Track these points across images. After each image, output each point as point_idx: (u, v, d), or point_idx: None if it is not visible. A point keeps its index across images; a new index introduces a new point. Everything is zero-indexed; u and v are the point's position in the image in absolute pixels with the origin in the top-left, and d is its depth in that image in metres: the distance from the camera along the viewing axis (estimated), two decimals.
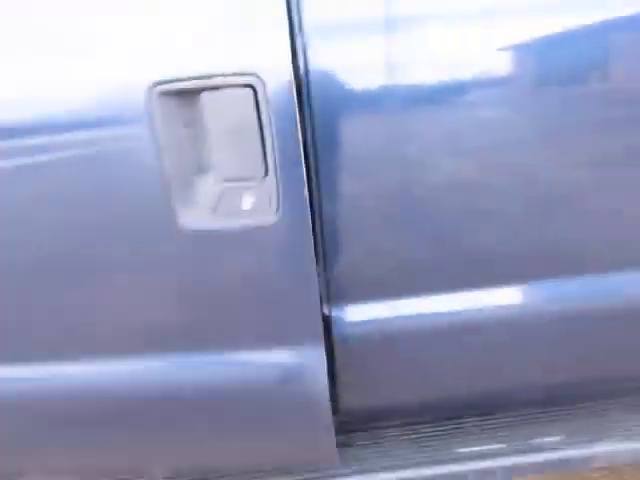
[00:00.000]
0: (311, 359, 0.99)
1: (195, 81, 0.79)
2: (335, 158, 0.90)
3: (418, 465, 1.25)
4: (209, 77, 0.79)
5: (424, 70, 0.89)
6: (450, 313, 1.11)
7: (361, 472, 1.24)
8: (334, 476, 1.22)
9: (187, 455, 1.11)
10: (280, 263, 0.92)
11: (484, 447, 1.28)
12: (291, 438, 1.09)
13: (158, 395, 1.01)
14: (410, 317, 1.11)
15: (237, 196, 0.85)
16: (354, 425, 1.31)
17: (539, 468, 1.29)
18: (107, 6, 0.79)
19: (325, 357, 0.99)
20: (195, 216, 0.86)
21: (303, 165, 0.84)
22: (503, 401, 1.30)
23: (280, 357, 0.99)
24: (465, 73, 0.90)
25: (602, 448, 1.26)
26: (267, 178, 0.84)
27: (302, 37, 0.84)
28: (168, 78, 0.79)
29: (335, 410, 1.14)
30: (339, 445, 1.15)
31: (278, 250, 0.91)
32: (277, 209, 0.86)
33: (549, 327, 1.16)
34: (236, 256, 0.90)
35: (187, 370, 1.00)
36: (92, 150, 0.83)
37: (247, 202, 0.85)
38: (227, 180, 0.84)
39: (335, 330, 1.09)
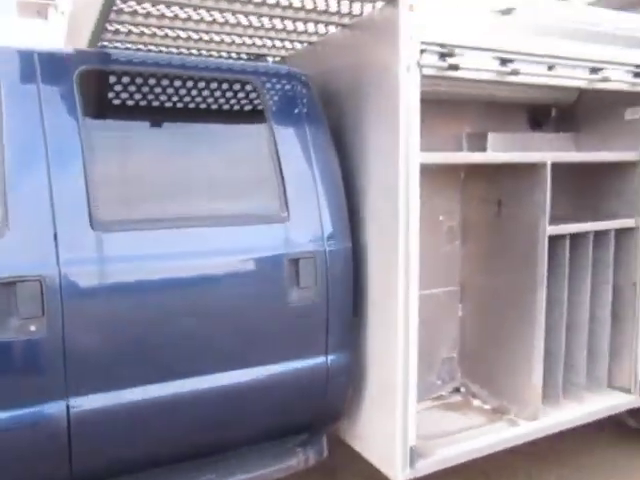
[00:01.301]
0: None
1: (15, 278, 2.01)
2: (72, 315, 2.12)
3: None
4: (21, 276, 2.02)
5: (125, 279, 2.21)
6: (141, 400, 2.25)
7: None
8: None
9: None
10: (44, 357, 2.07)
11: None
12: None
13: None
14: (114, 404, 2.22)
15: (27, 326, 2.02)
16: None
17: None
18: None
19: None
20: (8, 334, 2.00)
21: (60, 312, 2.06)
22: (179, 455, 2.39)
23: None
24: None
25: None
26: (43, 317, 2.03)
27: (60, 266, 2.12)
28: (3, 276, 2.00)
29: (70, 470, 2.14)
30: None
31: (46, 351, 2.06)
32: (46, 330, 2.04)
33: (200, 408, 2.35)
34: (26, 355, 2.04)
35: None
36: None
37: (32, 327, 2.02)
38: (23, 318, 2.02)
39: (71, 411, 2.14)
